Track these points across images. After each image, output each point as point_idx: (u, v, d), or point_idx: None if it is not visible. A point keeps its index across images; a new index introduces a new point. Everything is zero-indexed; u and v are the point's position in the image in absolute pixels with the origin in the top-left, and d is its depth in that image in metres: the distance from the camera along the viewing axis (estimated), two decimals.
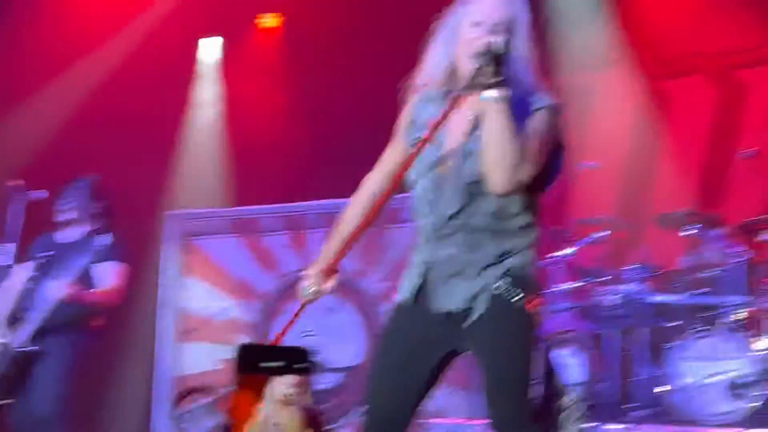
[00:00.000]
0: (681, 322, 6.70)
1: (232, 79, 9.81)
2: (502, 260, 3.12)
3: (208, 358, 7.96)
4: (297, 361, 1.54)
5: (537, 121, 3.11)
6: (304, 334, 7.67)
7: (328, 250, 3.36)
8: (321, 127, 9.16)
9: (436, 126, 3.11)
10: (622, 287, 6.74)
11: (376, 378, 3.23)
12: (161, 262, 8.27)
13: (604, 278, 7.00)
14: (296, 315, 3.27)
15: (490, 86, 3.01)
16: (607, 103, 9.00)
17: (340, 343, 7.65)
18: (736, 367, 6.27)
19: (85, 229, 6.12)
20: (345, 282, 7.64)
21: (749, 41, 8.74)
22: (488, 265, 3.12)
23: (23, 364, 5.82)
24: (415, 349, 3.20)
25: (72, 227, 6.14)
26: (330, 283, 3.33)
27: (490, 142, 3.03)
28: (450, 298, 3.16)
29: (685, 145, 8.94)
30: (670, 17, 8.85)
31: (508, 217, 3.13)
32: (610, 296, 6.72)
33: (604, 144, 8.65)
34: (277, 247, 7.98)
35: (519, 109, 3.08)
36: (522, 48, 3.15)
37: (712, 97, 8.93)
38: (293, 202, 8.02)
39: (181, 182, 9.45)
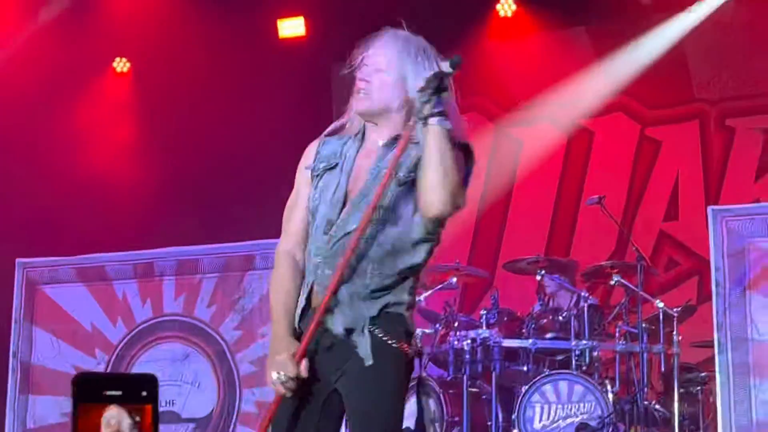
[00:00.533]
0: (531, 366, 6.80)
1: (84, 124, 9.63)
2: (379, 296, 3.06)
3: (54, 412, 7.71)
4: (139, 389, 1.47)
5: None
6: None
7: (284, 332, 3.09)
8: (171, 173, 9.06)
9: (396, 156, 3.07)
10: (472, 332, 6.80)
11: (277, 420, 3.11)
12: (13, 311, 8.03)
13: (455, 323, 7.06)
14: (272, 410, 3.06)
15: (432, 114, 3.00)
16: None
17: (193, 392, 7.52)
18: (583, 410, 6.39)
19: None
20: (197, 329, 7.54)
21: (596, 90, 9.01)
22: (364, 298, 3.06)
23: None
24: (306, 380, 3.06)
25: None
26: (304, 366, 3.02)
27: (431, 163, 3.01)
28: (331, 321, 3.07)
29: (535, 191, 9.12)
30: (520, 67, 9.07)
31: (397, 253, 3.08)
32: (462, 341, 6.77)
33: None
34: (126, 296, 7.81)
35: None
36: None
37: (561, 144, 9.15)
38: (142, 249, 7.87)
39: (32, 229, 9.20)
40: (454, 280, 7.20)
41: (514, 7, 9.07)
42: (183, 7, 8.93)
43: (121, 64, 9.67)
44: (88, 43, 9.22)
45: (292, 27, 9.16)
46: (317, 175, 3.21)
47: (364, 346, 3.02)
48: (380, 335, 3.03)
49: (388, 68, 3.18)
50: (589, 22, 9.02)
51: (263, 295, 7.28)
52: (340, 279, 3.03)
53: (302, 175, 3.27)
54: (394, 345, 3.04)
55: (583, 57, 8.94)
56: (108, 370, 7.73)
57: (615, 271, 6.94)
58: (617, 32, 8.83)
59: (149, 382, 1.48)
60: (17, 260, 8.18)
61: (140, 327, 7.71)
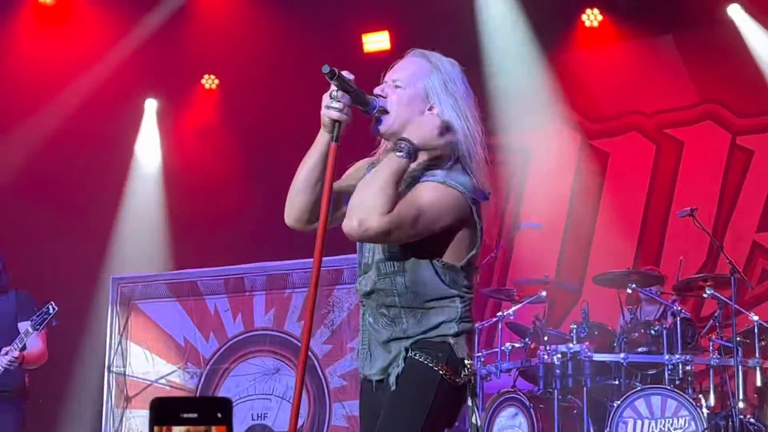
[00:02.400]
0: (623, 381, 6.73)
1: (173, 141, 9.80)
2: (419, 334, 3.07)
3: (147, 425, 7.83)
4: (214, 411, 1.55)
5: (417, 189, 3.03)
6: (242, 399, 7.61)
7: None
8: (260, 189, 9.16)
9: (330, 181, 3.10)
10: (563, 346, 6.75)
11: None
12: (108, 326, 8.19)
13: (544, 337, 7.01)
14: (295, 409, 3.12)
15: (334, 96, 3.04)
16: (546, 162, 9.09)
17: (284, 406, 7.59)
18: (677, 426, 6.30)
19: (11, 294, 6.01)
20: (288, 342, 7.60)
21: (684, 100, 8.91)
22: (403, 339, 3.08)
23: None
24: (368, 421, 3.17)
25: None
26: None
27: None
28: (370, 366, 3.15)
29: (623, 203, 9.04)
30: (607, 77, 9.00)
31: (422, 294, 3.07)
32: (552, 355, 6.72)
33: (544, 204, 8.73)
34: (218, 310, 7.92)
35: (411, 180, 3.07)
36: (433, 112, 3.12)
37: (649, 155, 9.05)
38: (234, 264, 7.97)
39: (126, 245, 9.39)
40: (544, 293, 7.15)
41: (600, 17, 9.02)
42: (270, 23, 9.04)
43: (209, 81, 9.83)
44: (178, 60, 9.38)
45: (377, 41, 9.23)
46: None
47: (394, 374, 3.06)
48: (413, 355, 3.05)
49: (407, 85, 3.13)
50: (676, 30, 8.91)
51: (351, 309, 7.32)
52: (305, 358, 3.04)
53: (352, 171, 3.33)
54: (426, 364, 3.03)
55: (671, 65, 8.84)
56: (200, 384, 7.84)
57: (708, 283, 6.82)
58: (705, 39, 8.72)
59: (224, 404, 1.57)
60: (111, 276, 8.35)
61: (232, 341, 7.80)
